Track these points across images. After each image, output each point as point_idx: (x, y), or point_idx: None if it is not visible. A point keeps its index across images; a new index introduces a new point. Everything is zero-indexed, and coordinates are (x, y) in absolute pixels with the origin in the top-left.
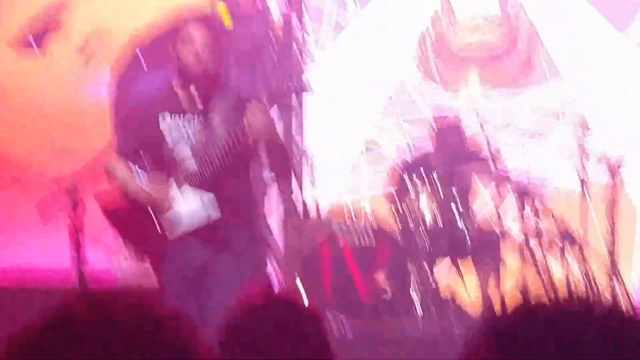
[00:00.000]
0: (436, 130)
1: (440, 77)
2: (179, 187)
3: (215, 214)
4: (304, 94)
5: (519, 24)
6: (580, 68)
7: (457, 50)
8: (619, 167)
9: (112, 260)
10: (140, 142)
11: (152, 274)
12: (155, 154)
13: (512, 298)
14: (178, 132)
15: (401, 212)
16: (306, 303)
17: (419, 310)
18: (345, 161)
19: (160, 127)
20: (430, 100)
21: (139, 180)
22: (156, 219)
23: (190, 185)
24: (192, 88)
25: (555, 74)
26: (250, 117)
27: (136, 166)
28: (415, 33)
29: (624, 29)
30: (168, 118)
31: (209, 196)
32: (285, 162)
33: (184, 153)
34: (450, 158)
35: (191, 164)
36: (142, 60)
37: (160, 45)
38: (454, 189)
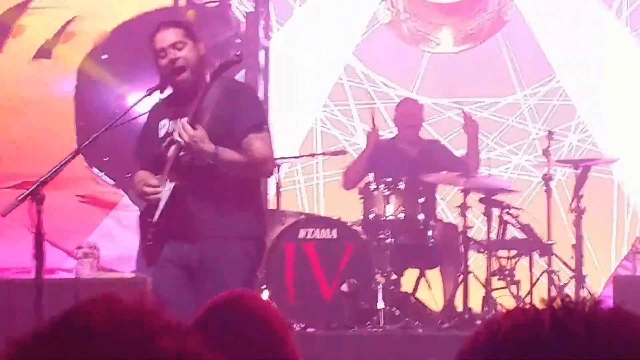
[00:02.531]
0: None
1: (410, 35)
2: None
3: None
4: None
5: None
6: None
7: (428, 7)
8: (585, 172)
9: (73, 265)
10: (147, 154)
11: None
12: (153, 160)
13: (480, 305)
14: (171, 136)
15: (365, 208)
16: (267, 301)
17: (382, 307)
18: (299, 131)
19: (159, 136)
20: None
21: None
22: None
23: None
24: (178, 91)
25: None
26: (175, 136)
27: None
28: None
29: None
30: (166, 125)
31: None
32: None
33: (174, 155)
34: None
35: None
36: (108, 60)
37: (127, 46)
38: (419, 190)
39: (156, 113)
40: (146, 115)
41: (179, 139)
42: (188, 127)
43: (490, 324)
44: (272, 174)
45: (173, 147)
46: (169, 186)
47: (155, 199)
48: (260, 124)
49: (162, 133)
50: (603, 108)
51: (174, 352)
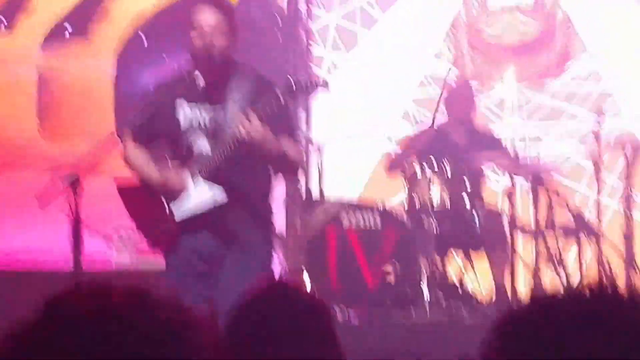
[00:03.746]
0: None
1: (475, 72)
2: (192, 178)
3: (221, 199)
4: (322, 92)
5: (554, 13)
6: (610, 48)
7: (491, 43)
8: (635, 154)
9: (109, 249)
10: (156, 128)
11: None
12: (171, 141)
13: (526, 290)
14: (195, 121)
15: (410, 195)
16: (310, 290)
17: (427, 297)
18: (364, 163)
19: (177, 116)
20: None
21: (154, 168)
22: (167, 206)
23: (204, 178)
24: (207, 75)
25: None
26: (242, 129)
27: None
28: (443, 28)
29: None
30: (185, 106)
31: (220, 189)
32: (289, 167)
33: (200, 143)
34: (462, 133)
35: (206, 155)
36: (148, 44)
37: (167, 29)
38: (465, 178)
39: (173, 88)
40: (153, 85)
41: (244, 135)
42: (259, 124)
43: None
44: (296, 175)
45: (206, 141)
46: (211, 193)
47: (178, 191)
48: (290, 129)
49: (182, 116)
50: None
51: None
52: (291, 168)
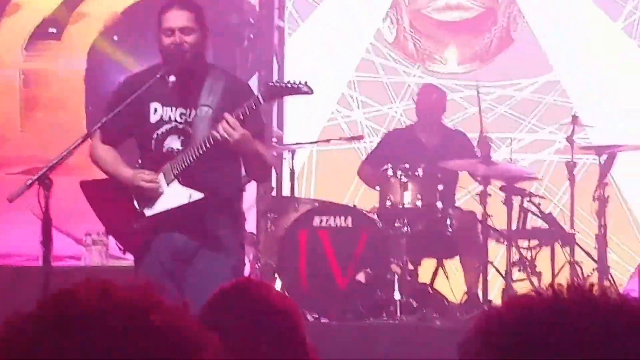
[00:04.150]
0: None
1: (416, 53)
2: (164, 178)
3: (192, 199)
4: (303, 94)
5: None
6: (573, 59)
7: (432, 21)
8: (611, 159)
9: (80, 250)
10: (127, 128)
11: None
12: (142, 141)
13: (498, 294)
14: (167, 121)
15: (382, 196)
16: (280, 290)
17: (398, 299)
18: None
19: (149, 115)
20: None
21: (124, 167)
22: (137, 206)
23: (175, 178)
24: (179, 75)
25: (548, 68)
26: (222, 133)
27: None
28: (383, 8)
29: (617, 19)
30: (157, 106)
31: (191, 189)
32: (264, 169)
33: (171, 143)
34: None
35: (178, 154)
36: (119, 42)
37: (139, 28)
38: (437, 181)
39: (144, 89)
40: (124, 84)
41: (224, 136)
42: (238, 125)
43: (490, 310)
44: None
45: (179, 141)
46: (186, 193)
47: (151, 192)
48: (262, 132)
49: (154, 116)
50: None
51: (165, 327)
52: (265, 173)
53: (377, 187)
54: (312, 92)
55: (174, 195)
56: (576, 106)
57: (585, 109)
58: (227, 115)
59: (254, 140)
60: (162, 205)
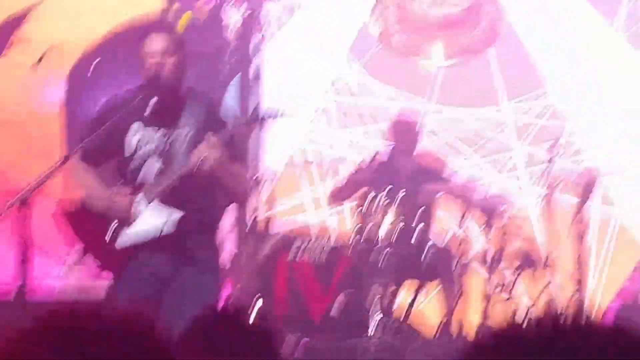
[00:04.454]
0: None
1: (402, 47)
2: (142, 200)
3: (170, 222)
4: (277, 119)
5: None
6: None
7: (418, 17)
8: (591, 182)
9: (59, 270)
10: (106, 151)
11: (98, 287)
12: (121, 164)
13: (478, 322)
14: (146, 145)
15: (359, 225)
16: (255, 319)
17: (374, 329)
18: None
19: (128, 139)
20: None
21: (103, 190)
22: (115, 228)
23: (153, 201)
24: (158, 99)
25: (538, 85)
26: (202, 153)
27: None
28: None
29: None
30: (136, 129)
31: (170, 212)
32: (244, 191)
33: (150, 166)
34: (409, 163)
35: (156, 178)
36: (98, 68)
37: (119, 54)
38: (415, 209)
39: (125, 111)
40: (105, 106)
41: (204, 157)
42: (218, 146)
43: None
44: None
45: (159, 162)
46: (166, 212)
47: (130, 212)
48: (242, 155)
49: (133, 140)
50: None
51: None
52: (244, 192)
53: (347, 202)
54: (289, 118)
55: (154, 214)
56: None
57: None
58: (209, 135)
59: (234, 162)
60: (142, 224)
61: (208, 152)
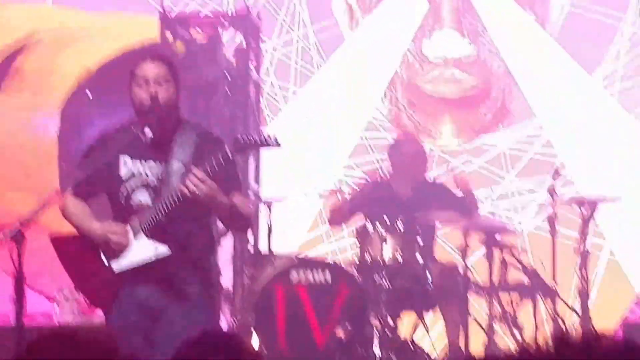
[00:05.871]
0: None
1: (413, 128)
2: (135, 235)
3: (162, 254)
4: (272, 148)
5: (494, 70)
6: (554, 111)
7: (429, 98)
8: (591, 211)
9: (51, 305)
10: (98, 182)
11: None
12: (113, 196)
13: (481, 350)
14: (137, 176)
15: (361, 251)
16: (257, 348)
17: (379, 357)
18: (308, 212)
19: (120, 170)
20: None
21: (94, 222)
22: (106, 261)
23: (147, 235)
24: (151, 129)
25: (530, 116)
26: (190, 186)
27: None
28: (382, 84)
29: (592, 73)
30: (128, 160)
31: (161, 243)
32: (240, 221)
33: (142, 197)
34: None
35: (148, 209)
36: (93, 99)
37: (112, 83)
38: (417, 234)
39: (116, 143)
40: (98, 139)
41: (192, 189)
42: (207, 178)
43: None
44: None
45: (148, 195)
46: (152, 247)
47: (119, 246)
48: (237, 184)
49: (125, 170)
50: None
51: None
52: (242, 224)
53: (355, 236)
54: (280, 146)
55: (141, 249)
56: (560, 158)
57: (570, 160)
58: (194, 168)
59: (229, 192)
60: (129, 259)
61: (195, 187)
